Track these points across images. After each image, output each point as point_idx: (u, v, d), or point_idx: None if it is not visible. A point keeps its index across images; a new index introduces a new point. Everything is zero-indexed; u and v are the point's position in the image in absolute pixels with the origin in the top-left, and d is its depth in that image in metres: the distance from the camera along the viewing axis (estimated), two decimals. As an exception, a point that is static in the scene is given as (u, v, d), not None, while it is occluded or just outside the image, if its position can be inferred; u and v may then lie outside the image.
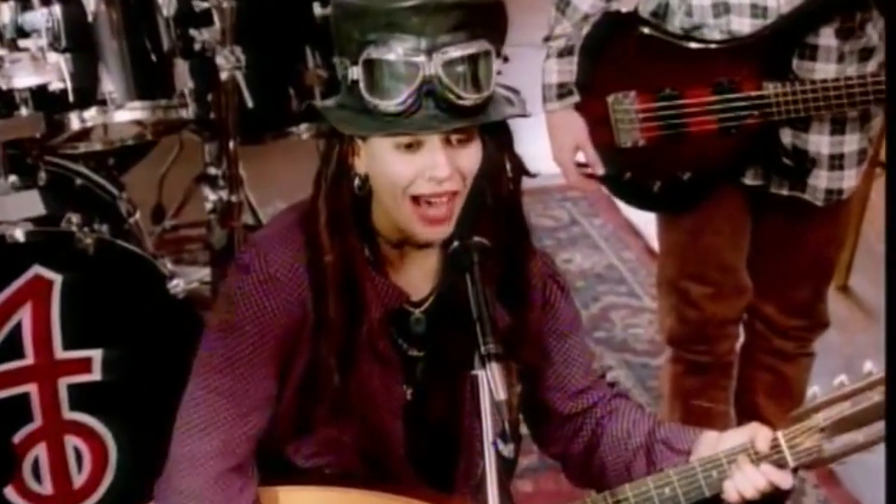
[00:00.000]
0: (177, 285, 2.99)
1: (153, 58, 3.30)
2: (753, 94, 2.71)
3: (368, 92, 1.80)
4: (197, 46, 3.45)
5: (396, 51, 1.78)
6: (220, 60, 3.42)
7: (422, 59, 1.78)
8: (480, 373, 1.80)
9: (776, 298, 2.99)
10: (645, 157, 2.81)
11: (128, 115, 3.21)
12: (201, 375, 1.96)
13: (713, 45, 2.74)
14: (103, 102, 3.14)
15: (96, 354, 2.93)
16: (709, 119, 2.75)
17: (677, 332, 3.03)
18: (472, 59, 1.81)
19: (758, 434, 1.95)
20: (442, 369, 2.02)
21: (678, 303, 2.98)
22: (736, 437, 1.98)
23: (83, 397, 2.94)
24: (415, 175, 1.85)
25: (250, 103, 3.55)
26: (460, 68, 1.79)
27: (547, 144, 2.90)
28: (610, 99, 2.80)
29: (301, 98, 3.65)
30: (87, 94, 3.13)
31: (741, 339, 3.10)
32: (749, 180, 2.81)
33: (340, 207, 1.91)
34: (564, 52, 2.79)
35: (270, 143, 3.79)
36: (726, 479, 1.94)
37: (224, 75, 3.43)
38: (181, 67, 3.37)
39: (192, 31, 3.43)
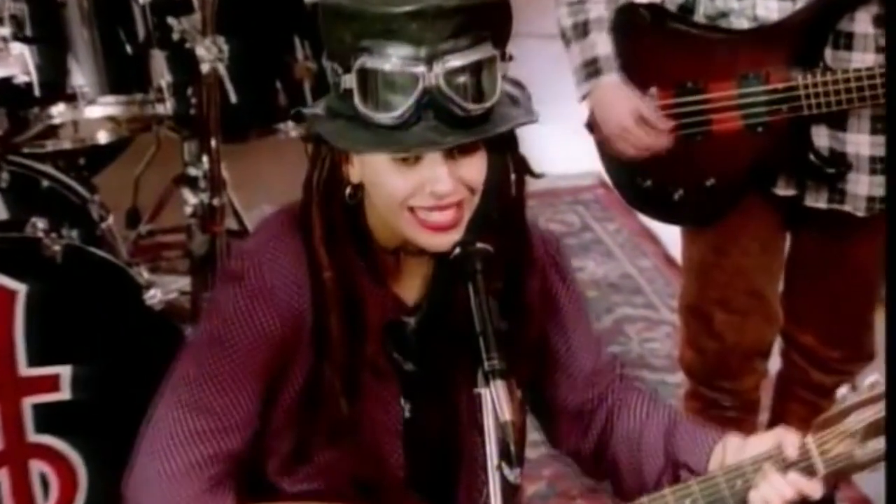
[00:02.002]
0: (153, 296, 2.97)
1: (128, 49, 3.30)
2: (781, 86, 2.68)
3: (363, 103, 1.79)
4: (175, 36, 3.44)
5: (393, 60, 1.77)
6: (200, 52, 3.41)
7: (421, 69, 1.77)
8: (484, 391, 1.79)
9: (815, 326, 2.94)
10: (665, 162, 2.78)
11: (100, 110, 3.20)
12: (177, 391, 1.96)
13: (737, 34, 2.71)
14: (73, 97, 3.14)
15: (64, 371, 2.90)
16: (733, 115, 2.72)
17: (697, 366, 2.99)
18: (476, 67, 1.79)
19: (785, 439, 1.95)
20: (438, 380, 2.02)
21: (699, 331, 2.95)
22: (761, 442, 1.98)
23: (50, 418, 2.91)
24: (414, 189, 1.85)
25: (234, 98, 3.55)
26: (463, 78, 1.78)
27: (556, 142, 2.88)
28: None
29: (289, 92, 3.65)
30: (54, 87, 3.12)
31: (770, 374, 3.06)
32: (781, 190, 2.76)
33: (334, 218, 1.91)
34: (608, 28, 2.77)
35: (256, 142, 3.78)
36: (751, 488, 1.94)
37: (205, 68, 3.42)
38: (158, 59, 3.37)
39: (171, 20, 3.42)
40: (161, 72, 3.34)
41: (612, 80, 2.77)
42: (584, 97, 2.82)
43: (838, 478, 1.98)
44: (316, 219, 1.91)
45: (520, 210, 2.00)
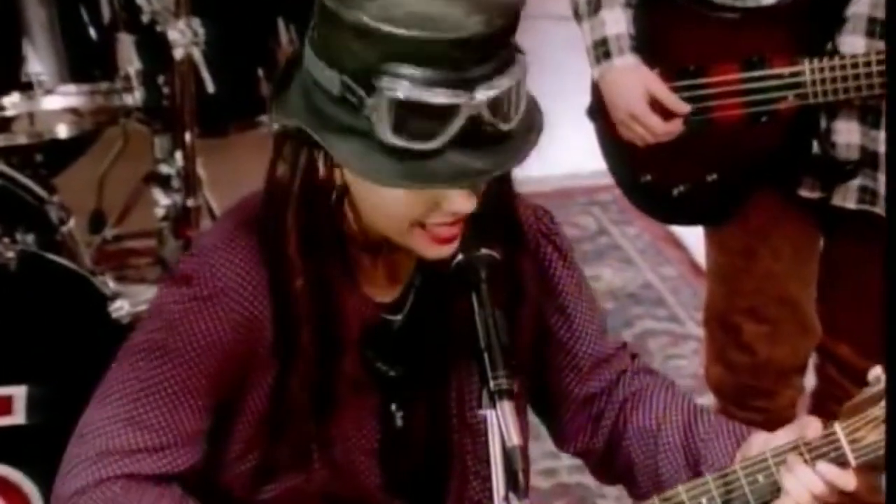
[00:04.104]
0: (120, 308, 2.97)
1: (91, 32, 3.31)
2: (787, 71, 2.69)
3: (395, 132, 1.76)
4: (145, 18, 3.46)
5: (434, 90, 1.74)
6: (173, 35, 3.43)
7: (462, 98, 1.75)
8: (490, 413, 1.78)
9: (852, 337, 2.91)
10: (665, 155, 2.78)
11: (59, 101, 3.21)
12: (111, 402, 1.93)
13: (743, 14, 2.71)
14: (28, 86, 3.14)
15: (19, 392, 2.90)
16: (735, 102, 2.73)
17: (726, 383, 2.98)
18: (516, 88, 1.79)
19: (809, 427, 1.93)
20: (426, 382, 2.02)
21: (727, 344, 2.94)
22: (787, 435, 1.96)
23: (2, 444, 2.91)
24: (429, 208, 1.84)
25: (211, 87, 3.56)
26: (503, 101, 1.78)
27: (568, 137, 2.87)
28: None
29: (272, 81, 3.65)
30: (7, 75, 3.13)
31: (806, 390, 3.05)
32: (806, 191, 2.76)
33: (315, 225, 1.90)
34: (627, 4, 2.77)
35: (235, 136, 3.81)
36: (777, 484, 1.92)
37: (178, 53, 3.44)
38: (126, 44, 3.39)
39: (140, 0, 3.44)
40: (129, 58, 3.36)
41: (624, 63, 2.77)
42: (596, 81, 2.82)
43: (874, 469, 1.95)
44: (292, 227, 1.89)
45: (513, 207, 2.00)
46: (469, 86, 1.75)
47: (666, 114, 2.75)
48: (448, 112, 1.75)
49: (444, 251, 1.88)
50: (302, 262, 1.89)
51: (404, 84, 1.74)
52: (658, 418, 2.10)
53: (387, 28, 1.73)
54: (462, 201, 1.83)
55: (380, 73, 1.75)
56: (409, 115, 1.75)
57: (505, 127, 1.79)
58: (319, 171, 1.87)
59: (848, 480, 1.91)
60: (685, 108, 2.75)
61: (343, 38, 1.77)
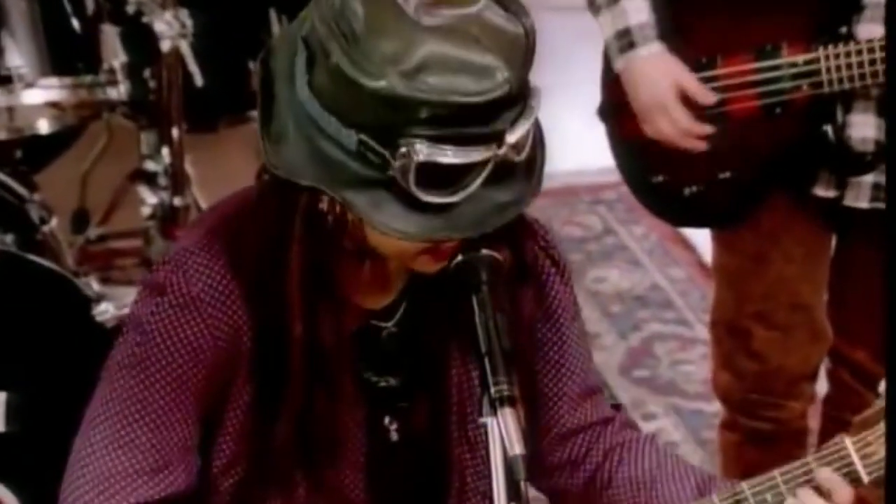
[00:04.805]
0: (105, 311, 2.96)
1: (74, 23, 3.30)
2: (801, 59, 2.68)
3: (423, 190, 1.75)
4: (130, 9, 3.46)
5: (466, 147, 1.74)
6: (160, 27, 3.43)
7: (493, 151, 1.75)
8: (490, 421, 1.76)
9: (867, 341, 2.89)
10: (678, 153, 2.77)
11: (40, 95, 3.20)
12: (97, 426, 1.93)
13: (754, 1, 2.72)
14: (7, 80, 3.13)
15: (-2, 399, 2.89)
16: (749, 94, 2.72)
17: (733, 390, 2.98)
18: (535, 122, 1.81)
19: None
20: (421, 394, 2.02)
21: (736, 350, 2.94)
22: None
23: (-19, 454, 2.90)
24: (439, 239, 1.84)
25: (199, 81, 3.55)
26: (526, 139, 1.79)
27: (574, 133, 2.86)
28: None
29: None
30: (-14, 69, 3.11)
31: (818, 397, 3.04)
32: (822, 190, 2.76)
33: (318, 262, 1.88)
34: None
35: (225, 131, 3.80)
36: None
37: (165, 45, 3.44)
38: (110, 36, 3.38)
39: (125, -10, 3.44)
40: (113, 50, 3.36)
41: (650, 52, 2.76)
42: (617, 73, 2.80)
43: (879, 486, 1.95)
44: (295, 267, 1.87)
45: None
46: (499, 133, 1.75)
47: (693, 108, 2.74)
48: (478, 165, 1.75)
49: (440, 265, 1.87)
50: (301, 302, 1.88)
51: (436, 146, 1.74)
52: (651, 475, 2.09)
53: (416, 95, 1.71)
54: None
55: (408, 134, 1.74)
56: (439, 172, 1.74)
57: (523, 158, 1.79)
58: (322, 206, 1.84)
59: (845, 493, 1.92)
60: (711, 97, 2.74)
61: (364, 101, 1.74)
